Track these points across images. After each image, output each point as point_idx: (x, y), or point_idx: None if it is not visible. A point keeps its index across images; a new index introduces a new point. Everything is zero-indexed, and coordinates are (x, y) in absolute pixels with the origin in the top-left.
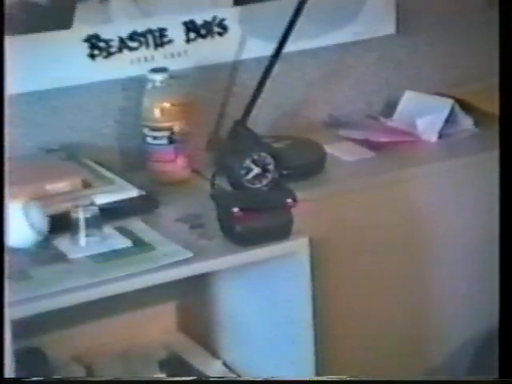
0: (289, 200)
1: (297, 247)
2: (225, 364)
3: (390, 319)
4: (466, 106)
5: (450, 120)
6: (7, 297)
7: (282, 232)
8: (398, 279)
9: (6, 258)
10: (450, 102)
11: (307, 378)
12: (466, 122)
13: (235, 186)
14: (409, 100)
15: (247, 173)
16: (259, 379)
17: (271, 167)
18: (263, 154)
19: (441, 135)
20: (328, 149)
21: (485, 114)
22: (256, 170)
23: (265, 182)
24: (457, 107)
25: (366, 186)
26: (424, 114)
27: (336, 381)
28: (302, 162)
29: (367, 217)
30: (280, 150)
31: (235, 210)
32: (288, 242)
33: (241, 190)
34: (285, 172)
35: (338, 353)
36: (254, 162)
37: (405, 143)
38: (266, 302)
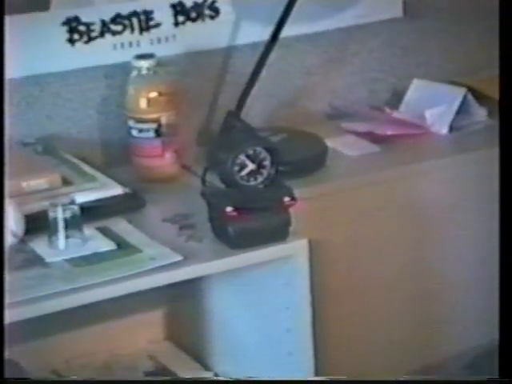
0: (286, 198)
1: (295, 250)
2: (216, 376)
3: (393, 324)
4: (479, 96)
5: (461, 111)
6: (7, 298)
7: (278, 233)
8: (401, 281)
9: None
10: (462, 90)
11: (307, 378)
12: (480, 113)
13: (228, 183)
14: (417, 89)
15: (241, 169)
16: (259, 379)
17: (267, 163)
18: (258, 149)
19: (452, 127)
20: (329, 142)
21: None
22: (250, 166)
23: (260, 179)
24: (469, 96)
25: (370, 183)
26: (433, 104)
27: (336, 381)
28: (300, 157)
29: (371, 217)
30: (277, 143)
31: (228, 209)
32: (285, 244)
33: (234, 187)
34: (282, 168)
35: (338, 363)
36: (248, 157)
37: (412, 136)
38: (261, 309)
